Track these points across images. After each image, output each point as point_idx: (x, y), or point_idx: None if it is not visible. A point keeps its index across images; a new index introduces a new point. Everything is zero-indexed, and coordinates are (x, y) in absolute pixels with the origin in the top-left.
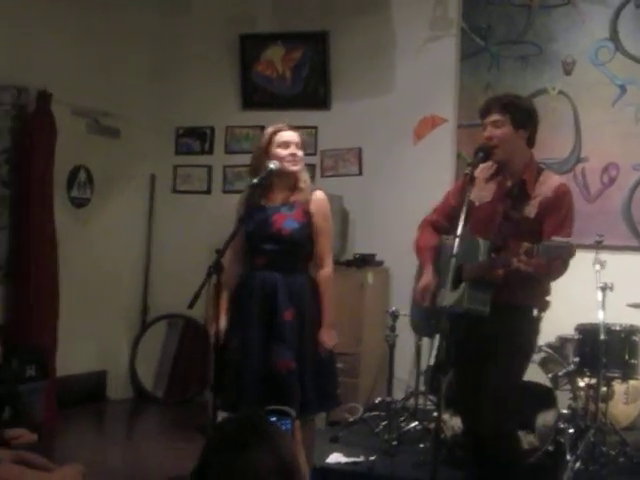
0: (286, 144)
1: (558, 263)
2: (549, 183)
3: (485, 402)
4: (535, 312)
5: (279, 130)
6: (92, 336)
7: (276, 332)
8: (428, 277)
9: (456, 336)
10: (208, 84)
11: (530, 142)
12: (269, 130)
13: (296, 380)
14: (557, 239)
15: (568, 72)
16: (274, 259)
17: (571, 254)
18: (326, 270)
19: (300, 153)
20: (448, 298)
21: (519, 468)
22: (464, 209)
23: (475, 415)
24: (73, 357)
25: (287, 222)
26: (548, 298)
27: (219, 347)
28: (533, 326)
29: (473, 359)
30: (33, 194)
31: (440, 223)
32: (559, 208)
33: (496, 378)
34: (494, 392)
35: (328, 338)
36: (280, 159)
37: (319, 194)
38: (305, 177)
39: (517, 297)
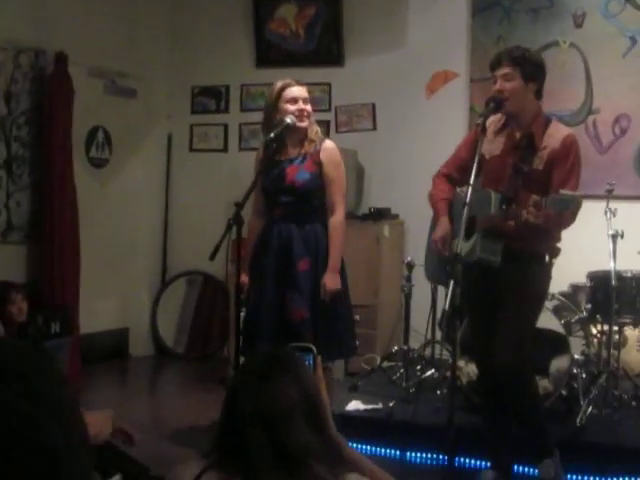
0: (294, 99)
1: (566, 215)
2: (557, 134)
3: (501, 344)
4: (547, 259)
5: (287, 86)
6: (113, 294)
7: (291, 282)
8: (444, 227)
9: (470, 283)
10: (222, 43)
11: (538, 94)
12: (277, 86)
13: (309, 328)
14: (564, 192)
15: (579, 25)
16: (289, 210)
17: (578, 206)
18: (337, 217)
19: (308, 107)
20: (462, 247)
21: (538, 410)
22: (476, 159)
23: (491, 358)
24: (95, 315)
25: (299, 174)
26: (559, 245)
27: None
28: (545, 272)
29: (488, 305)
30: (53, 155)
31: (452, 176)
32: (566, 159)
33: (511, 322)
34: (509, 335)
35: (331, 282)
36: (289, 114)
37: (328, 143)
38: (315, 129)
39: (529, 244)
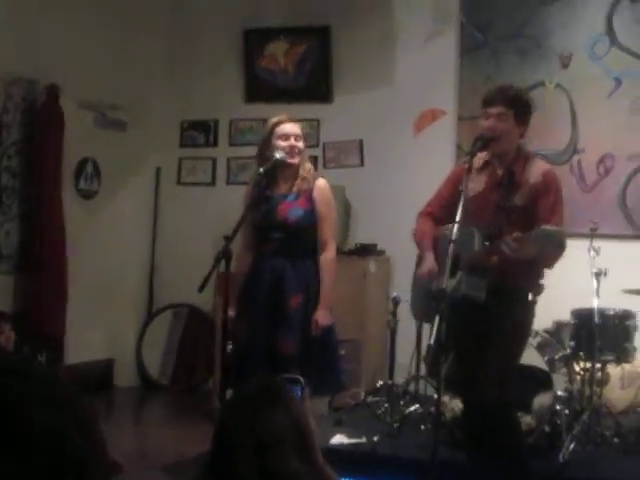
0: (286, 136)
1: (550, 250)
2: (537, 170)
3: (486, 381)
4: (530, 296)
5: (280, 122)
6: (100, 325)
7: (282, 318)
8: (430, 261)
9: (454, 320)
10: (212, 78)
11: (523, 134)
12: (271, 122)
13: (297, 363)
14: (547, 227)
15: (565, 66)
16: (281, 246)
17: (562, 241)
18: (328, 254)
19: (300, 144)
20: (447, 284)
21: (521, 447)
22: (462, 197)
23: (476, 394)
24: (81, 345)
25: (292, 210)
26: (542, 282)
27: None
28: (529, 309)
29: (473, 341)
30: (43, 186)
31: (435, 215)
32: (548, 194)
33: (496, 359)
34: (495, 371)
35: (322, 318)
36: (280, 150)
37: (321, 182)
38: (307, 166)
39: (512, 280)
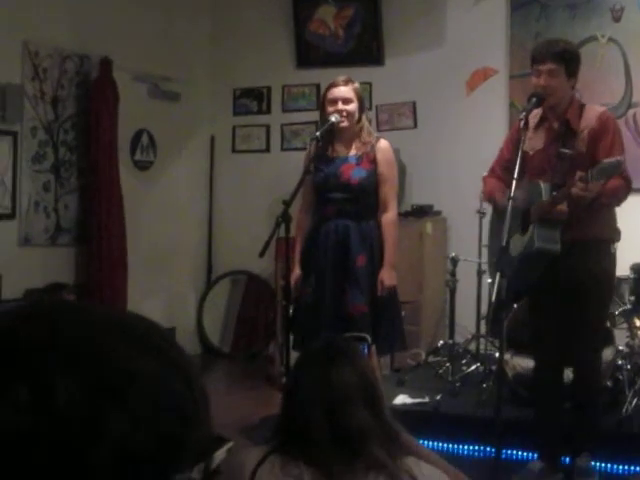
0: (334, 100)
1: (617, 182)
2: (592, 114)
3: (582, 343)
4: (612, 246)
5: (331, 86)
6: (160, 294)
7: (350, 277)
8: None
9: (532, 277)
10: (262, 45)
11: (573, 87)
12: (326, 86)
13: (369, 323)
14: (606, 160)
15: (617, 19)
16: (345, 207)
17: (620, 169)
18: (390, 214)
19: (350, 107)
20: (519, 242)
21: (599, 405)
22: (519, 154)
23: (562, 352)
24: (143, 314)
25: (355, 171)
26: (618, 226)
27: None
28: (613, 258)
29: (558, 298)
30: (99, 158)
31: (500, 177)
32: (606, 134)
33: (589, 321)
34: (590, 334)
35: (388, 277)
36: (332, 114)
37: (383, 143)
38: (367, 128)
39: (592, 231)
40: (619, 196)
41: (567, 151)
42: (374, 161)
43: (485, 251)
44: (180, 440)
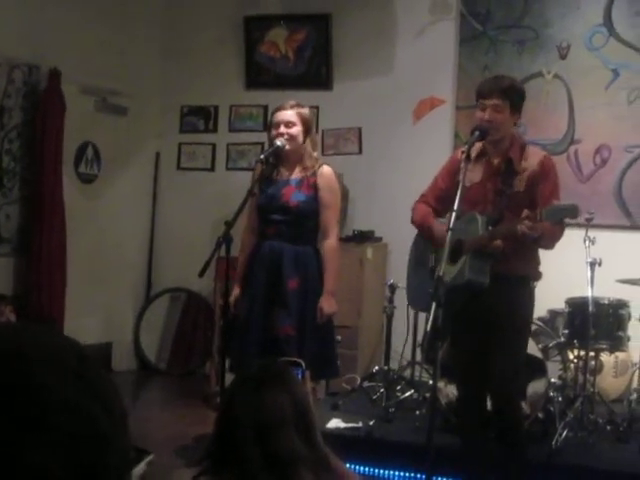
0: (277, 124)
1: (560, 227)
2: (534, 157)
3: (499, 375)
4: (531, 283)
5: (276, 110)
6: (98, 308)
7: (280, 299)
8: (441, 227)
9: (456, 307)
10: (213, 64)
11: (515, 123)
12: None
13: (294, 346)
14: (558, 202)
15: (563, 56)
16: (282, 229)
17: (576, 214)
18: (330, 240)
19: (292, 131)
20: (448, 271)
21: (523, 436)
22: (460, 185)
23: (475, 382)
24: (80, 329)
25: (295, 195)
26: (540, 268)
27: (231, 314)
28: (531, 296)
29: (477, 329)
30: (43, 169)
31: (430, 205)
32: (547, 178)
33: (506, 353)
34: (506, 365)
35: (327, 305)
36: (277, 137)
37: (326, 169)
38: (309, 153)
39: (516, 268)
40: (555, 240)
41: (508, 189)
42: (314, 186)
43: None
44: (99, 464)
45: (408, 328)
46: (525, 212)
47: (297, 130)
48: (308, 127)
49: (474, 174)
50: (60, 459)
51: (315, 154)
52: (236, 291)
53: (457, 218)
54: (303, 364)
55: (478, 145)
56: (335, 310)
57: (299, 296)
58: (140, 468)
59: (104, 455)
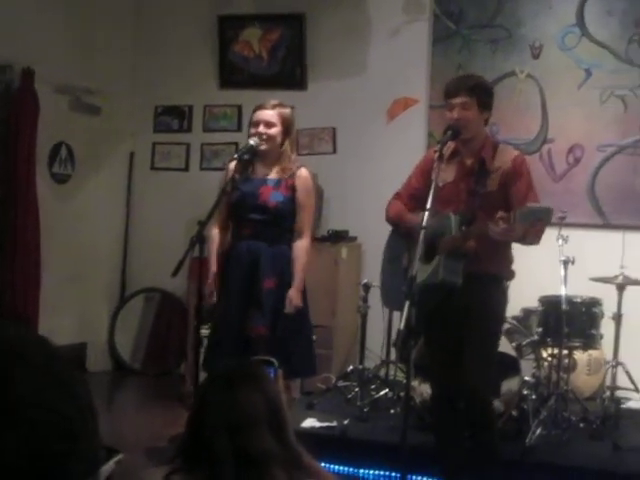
0: (257, 123)
1: (539, 227)
2: (506, 156)
3: (470, 372)
4: (504, 282)
5: (257, 108)
6: (72, 309)
7: (255, 299)
8: (417, 218)
9: (429, 306)
10: (187, 63)
11: (487, 121)
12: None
13: (267, 346)
14: (533, 204)
15: (536, 56)
16: (259, 229)
17: (549, 218)
18: (304, 241)
19: (271, 131)
20: (421, 271)
21: (495, 433)
22: (433, 184)
23: (449, 381)
24: (54, 329)
25: (273, 195)
26: (513, 267)
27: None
28: (503, 295)
29: (450, 328)
30: (17, 169)
31: (404, 204)
32: (520, 177)
33: (478, 350)
34: (478, 362)
35: (295, 297)
36: (253, 136)
37: (303, 171)
38: (288, 154)
39: (488, 267)
40: (540, 235)
41: (481, 189)
42: (292, 188)
43: None
44: (67, 459)
45: (383, 327)
46: (500, 214)
47: (276, 131)
48: (288, 128)
49: (447, 174)
50: (28, 453)
51: (294, 156)
52: (210, 286)
53: (430, 217)
54: (276, 363)
55: (451, 145)
56: (301, 304)
57: (275, 296)
58: (108, 467)
59: (72, 450)
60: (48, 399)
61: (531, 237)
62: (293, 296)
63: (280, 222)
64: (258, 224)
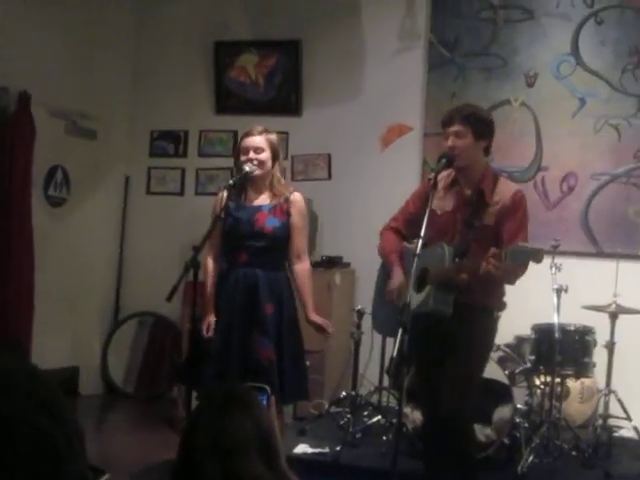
0: (246, 149)
1: (522, 267)
2: (506, 191)
3: (449, 393)
4: (495, 313)
5: (245, 135)
6: (65, 332)
7: (258, 323)
8: (399, 277)
9: (420, 333)
10: (183, 89)
11: (487, 151)
12: (241, 135)
13: (275, 370)
14: (524, 244)
15: (530, 84)
16: (255, 256)
17: (540, 259)
18: (305, 264)
19: (261, 156)
20: (413, 299)
21: (473, 460)
22: (427, 213)
23: (437, 406)
24: (47, 352)
25: (269, 220)
26: (504, 299)
27: (198, 339)
28: (493, 325)
29: (436, 355)
30: (12, 192)
31: (400, 230)
32: (515, 214)
33: (459, 372)
34: (457, 384)
35: (318, 317)
36: (245, 163)
37: (297, 196)
38: (278, 178)
39: (478, 298)
40: (517, 277)
41: (477, 222)
42: (287, 213)
43: None
44: (54, 477)
45: (378, 353)
46: (492, 250)
47: (266, 156)
48: (276, 153)
49: (446, 203)
50: (15, 474)
51: (283, 180)
52: (210, 317)
53: (424, 246)
54: (268, 389)
55: (450, 173)
56: (322, 321)
57: (276, 321)
58: None
59: (59, 471)
60: (34, 423)
61: (512, 277)
62: (315, 318)
63: (277, 247)
64: (255, 250)
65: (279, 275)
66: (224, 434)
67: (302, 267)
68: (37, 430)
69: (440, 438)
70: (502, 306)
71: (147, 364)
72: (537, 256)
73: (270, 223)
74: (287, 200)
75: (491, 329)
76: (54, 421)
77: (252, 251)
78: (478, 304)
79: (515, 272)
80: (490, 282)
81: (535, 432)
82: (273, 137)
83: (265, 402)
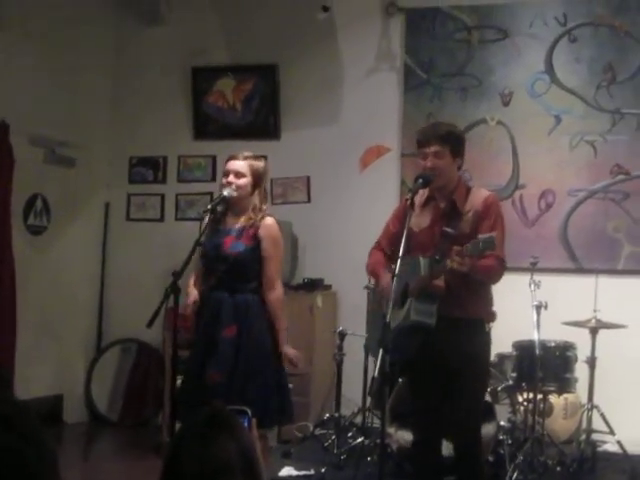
0: (227, 173)
1: (490, 261)
2: (478, 198)
3: (460, 423)
4: (486, 326)
5: (229, 158)
6: (48, 360)
7: (213, 347)
8: (388, 277)
9: (410, 352)
10: (161, 115)
11: (459, 167)
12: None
13: (222, 393)
14: (481, 235)
15: (506, 103)
16: (222, 279)
17: (493, 246)
18: (277, 291)
19: (241, 181)
20: (396, 316)
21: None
22: (405, 232)
23: (436, 427)
24: (30, 380)
25: (234, 245)
26: (494, 309)
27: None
28: (489, 342)
29: (432, 374)
30: None
31: (386, 250)
32: (489, 216)
33: (468, 400)
34: (468, 412)
35: (290, 351)
36: (225, 186)
37: (268, 220)
38: (255, 205)
39: (468, 311)
40: (491, 274)
41: (451, 231)
42: (255, 237)
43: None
44: None
45: (360, 374)
46: (455, 248)
47: (245, 181)
48: (258, 179)
49: (422, 219)
50: None
51: (265, 207)
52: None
53: (402, 264)
54: (249, 412)
55: (424, 191)
56: (298, 356)
57: (234, 343)
58: None
59: None
60: (3, 443)
61: (486, 274)
62: (290, 352)
63: (241, 271)
64: (221, 274)
65: (247, 297)
66: (207, 458)
67: (274, 296)
68: (6, 449)
69: (436, 458)
70: (492, 316)
71: (131, 391)
72: (490, 242)
73: (235, 247)
74: (254, 225)
75: (485, 341)
76: (24, 441)
77: (219, 275)
78: (467, 317)
79: (487, 267)
80: (470, 287)
81: (519, 449)
82: (258, 163)
83: (247, 424)
